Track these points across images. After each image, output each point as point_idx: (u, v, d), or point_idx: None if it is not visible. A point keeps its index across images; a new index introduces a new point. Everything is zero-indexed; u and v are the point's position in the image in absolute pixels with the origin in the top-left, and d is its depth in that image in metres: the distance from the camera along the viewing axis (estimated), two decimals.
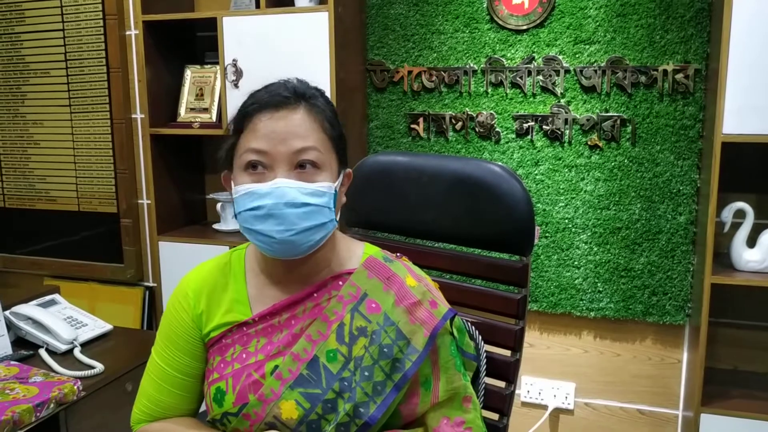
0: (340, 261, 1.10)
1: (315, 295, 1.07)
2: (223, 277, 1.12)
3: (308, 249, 1.01)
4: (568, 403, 2.32)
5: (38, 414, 1.39)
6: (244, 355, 1.06)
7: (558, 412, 2.36)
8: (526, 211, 1.21)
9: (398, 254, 1.15)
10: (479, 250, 1.31)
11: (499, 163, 1.25)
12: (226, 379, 1.05)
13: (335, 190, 1.02)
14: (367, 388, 1.01)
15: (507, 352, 1.27)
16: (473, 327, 1.25)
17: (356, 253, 1.12)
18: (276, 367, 1.03)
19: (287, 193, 0.97)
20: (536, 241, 1.23)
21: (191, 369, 1.11)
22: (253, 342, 1.06)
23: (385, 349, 1.02)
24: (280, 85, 1.05)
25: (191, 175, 2.63)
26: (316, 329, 1.04)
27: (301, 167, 0.99)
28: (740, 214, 1.92)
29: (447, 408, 1.07)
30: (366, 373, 1.01)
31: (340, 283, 1.07)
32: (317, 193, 0.99)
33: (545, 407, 2.35)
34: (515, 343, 1.25)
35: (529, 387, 2.35)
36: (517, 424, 2.36)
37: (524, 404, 2.37)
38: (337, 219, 1.06)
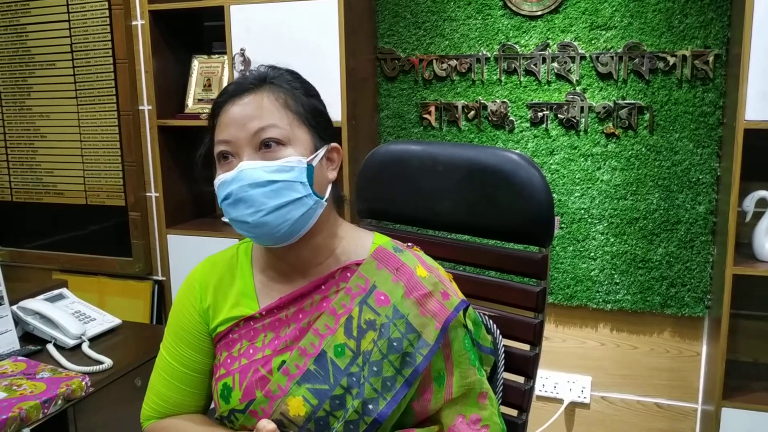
0: (348, 251, 1.07)
1: (323, 287, 1.04)
2: (230, 270, 1.10)
3: (290, 229, 0.98)
4: (584, 397, 2.28)
5: (46, 410, 1.37)
6: (251, 350, 1.03)
7: (574, 406, 2.32)
8: (546, 201, 1.17)
9: (409, 244, 1.11)
10: (496, 241, 1.27)
11: (517, 151, 1.21)
12: (233, 375, 1.02)
13: (308, 165, 0.99)
14: (376, 383, 0.97)
15: (525, 346, 1.23)
16: (491, 320, 1.21)
17: (365, 243, 1.08)
18: (283, 362, 1.00)
19: (250, 174, 0.96)
20: (556, 231, 1.19)
21: (200, 365, 1.09)
22: (260, 337, 1.04)
23: (394, 343, 0.98)
24: (249, 75, 1.04)
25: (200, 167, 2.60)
26: (323, 323, 1.01)
27: (266, 147, 0.98)
28: (762, 203, 1.87)
29: (462, 405, 1.03)
30: (375, 368, 0.98)
31: (349, 274, 1.04)
32: (283, 169, 0.97)
33: (561, 401, 2.31)
34: (534, 336, 1.21)
35: (545, 381, 2.31)
36: (533, 419, 2.31)
37: (539, 398, 2.34)
38: (325, 197, 1.02)
